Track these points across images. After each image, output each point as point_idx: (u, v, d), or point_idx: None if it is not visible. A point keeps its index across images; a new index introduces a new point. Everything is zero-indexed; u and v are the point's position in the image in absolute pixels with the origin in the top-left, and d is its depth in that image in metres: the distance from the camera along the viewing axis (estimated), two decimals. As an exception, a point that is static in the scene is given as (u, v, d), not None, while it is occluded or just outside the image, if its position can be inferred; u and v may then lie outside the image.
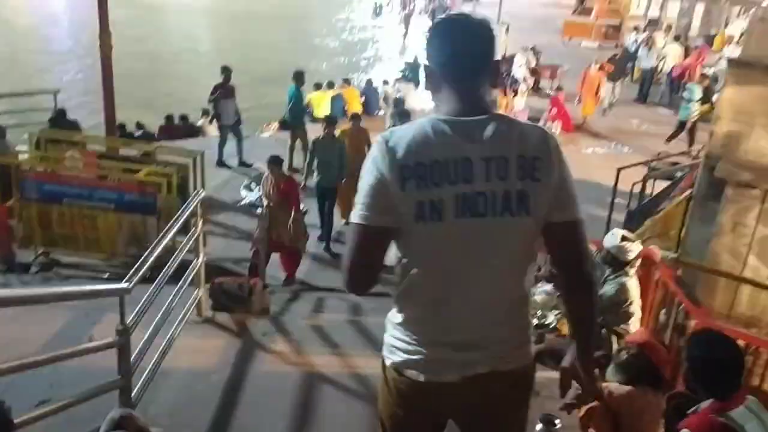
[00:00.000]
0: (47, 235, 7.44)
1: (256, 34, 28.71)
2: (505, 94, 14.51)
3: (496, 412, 1.88)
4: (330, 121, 8.29)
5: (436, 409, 1.90)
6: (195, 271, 4.29)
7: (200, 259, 4.34)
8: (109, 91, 9.25)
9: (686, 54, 17.01)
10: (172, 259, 3.81)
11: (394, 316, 1.87)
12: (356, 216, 1.68)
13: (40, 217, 7.36)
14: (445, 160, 1.62)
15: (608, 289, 4.28)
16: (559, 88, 14.85)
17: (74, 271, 7.16)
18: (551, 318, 4.85)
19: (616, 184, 8.35)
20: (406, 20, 29.03)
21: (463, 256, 1.69)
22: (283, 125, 12.59)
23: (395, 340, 1.86)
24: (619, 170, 8.43)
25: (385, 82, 15.45)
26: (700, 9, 25.74)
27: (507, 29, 17.52)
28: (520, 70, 15.69)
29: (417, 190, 1.62)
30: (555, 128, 13.91)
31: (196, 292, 4.38)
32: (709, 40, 21.24)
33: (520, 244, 1.71)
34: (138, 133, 12.62)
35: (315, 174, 8.14)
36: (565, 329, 4.39)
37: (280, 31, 29.73)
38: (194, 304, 4.33)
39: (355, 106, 13.42)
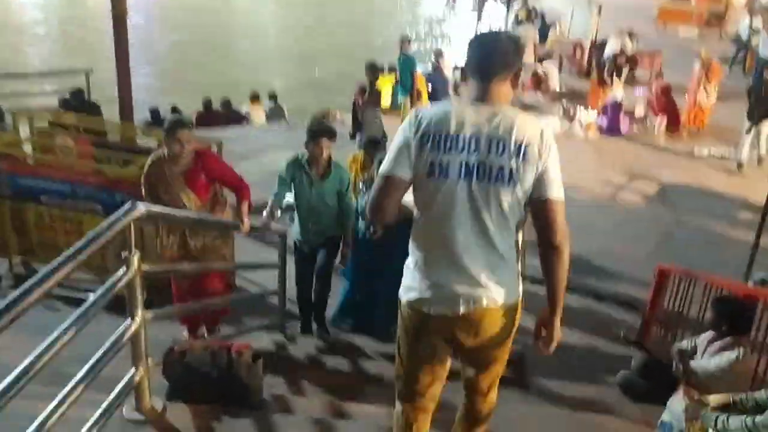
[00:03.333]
0: (23, 242, 5.89)
1: (326, 17, 27.26)
2: (599, 84, 12.32)
3: (489, 338, 2.29)
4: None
5: (442, 336, 2.32)
6: (134, 329, 2.54)
7: (137, 319, 2.56)
8: (123, 63, 7.69)
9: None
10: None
11: (409, 261, 2.34)
12: (383, 168, 2.22)
13: (14, 219, 5.82)
14: (457, 134, 2.13)
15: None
16: (660, 74, 12.45)
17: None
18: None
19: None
20: (480, 7, 27.25)
21: (461, 209, 2.16)
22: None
23: (409, 281, 2.32)
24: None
25: (457, 68, 13.48)
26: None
27: (599, 10, 15.17)
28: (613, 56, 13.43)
29: (432, 153, 2.13)
30: (659, 124, 11.65)
31: (132, 372, 2.62)
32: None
33: (505, 207, 2.15)
34: (172, 119, 11.13)
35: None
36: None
37: (352, 15, 28.17)
38: (129, 389, 2.57)
39: (422, 93, 11.54)
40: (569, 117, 11.77)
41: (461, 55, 15.66)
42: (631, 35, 15.26)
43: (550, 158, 2.13)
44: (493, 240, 2.16)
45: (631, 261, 6.80)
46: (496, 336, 2.28)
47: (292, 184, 4.59)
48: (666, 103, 11.72)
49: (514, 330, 2.33)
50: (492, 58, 2.18)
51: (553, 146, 2.14)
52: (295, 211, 4.74)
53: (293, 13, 29.11)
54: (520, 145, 2.08)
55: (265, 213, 4.56)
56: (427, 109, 2.20)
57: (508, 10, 22.53)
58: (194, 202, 4.21)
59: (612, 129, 11.46)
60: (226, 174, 4.40)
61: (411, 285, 2.29)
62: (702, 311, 4.45)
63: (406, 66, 10.64)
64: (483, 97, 2.16)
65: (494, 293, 2.20)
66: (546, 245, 2.18)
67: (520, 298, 2.31)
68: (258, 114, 11.74)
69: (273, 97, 12.22)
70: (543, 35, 17.22)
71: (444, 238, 2.18)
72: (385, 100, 11.74)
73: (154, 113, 10.90)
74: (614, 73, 12.44)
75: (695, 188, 9.14)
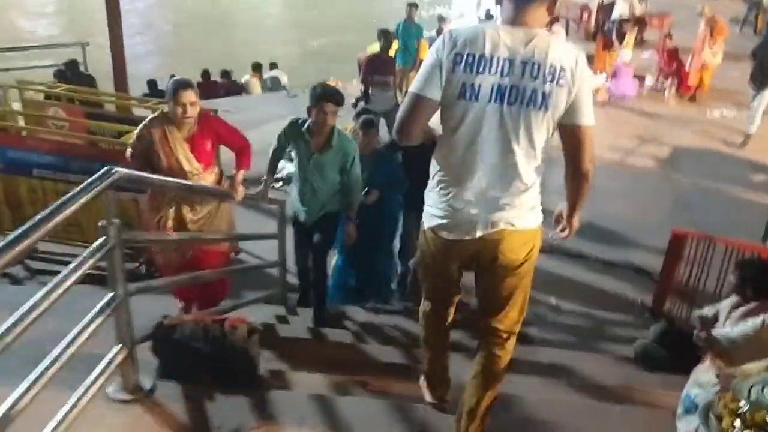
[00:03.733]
0: (17, 217, 5.71)
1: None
2: (605, 47, 11.94)
3: (507, 261, 2.30)
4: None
5: (463, 257, 2.36)
6: (115, 303, 2.36)
7: (119, 292, 2.37)
8: (116, 33, 7.45)
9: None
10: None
11: (431, 186, 2.35)
12: (413, 87, 2.17)
13: (7, 194, 5.64)
14: (490, 56, 2.06)
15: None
16: (669, 36, 12.04)
17: (46, 265, 5.41)
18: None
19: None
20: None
21: (489, 132, 2.12)
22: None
23: (430, 207, 2.35)
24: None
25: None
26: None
27: (606, -29, 14.73)
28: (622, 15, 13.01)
29: (463, 74, 2.08)
30: (669, 87, 11.32)
31: (115, 349, 2.44)
32: None
33: (535, 132, 2.12)
34: (171, 90, 10.90)
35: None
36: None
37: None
38: (112, 368, 2.40)
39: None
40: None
41: (464, 20, 15.26)
42: (639, -4, 14.84)
43: (585, 84, 2.12)
44: (518, 166, 2.16)
45: (644, 227, 6.58)
46: (515, 259, 2.30)
47: (293, 152, 4.20)
48: (675, 66, 11.38)
49: (533, 259, 2.34)
50: None
51: (586, 72, 2.13)
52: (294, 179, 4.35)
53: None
54: (555, 70, 2.05)
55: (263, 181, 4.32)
56: (462, 29, 2.12)
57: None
58: (197, 170, 3.85)
59: (621, 93, 11.15)
60: (233, 136, 4.02)
61: (431, 210, 2.34)
62: (722, 277, 4.24)
63: (410, 34, 10.26)
64: (518, 20, 2.10)
65: (512, 217, 2.23)
66: (575, 170, 2.21)
67: (539, 226, 2.34)
68: (255, 84, 11.47)
69: (274, 65, 11.95)
70: None
71: (469, 161, 2.18)
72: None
73: (152, 84, 10.66)
74: (619, 38, 12.07)
75: (707, 151, 8.88)
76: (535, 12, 2.10)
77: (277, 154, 4.27)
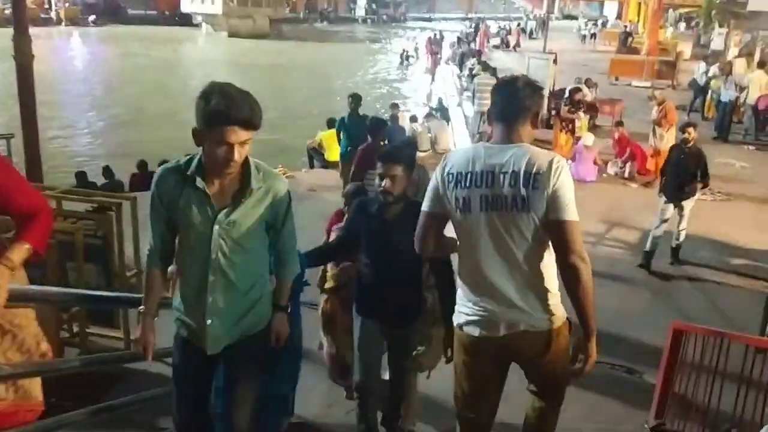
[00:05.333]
0: None
1: (275, 84, 26.71)
2: (561, 129, 11.71)
3: (538, 362, 2.46)
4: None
5: (491, 357, 2.50)
6: None
7: None
8: (29, 114, 6.65)
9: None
10: None
11: (459, 287, 2.57)
12: (424, 206, 2.53)
13: None
14: (475, 172, 2.37)
15: None
16: (619, 123, 11.90)
17: None
18: None
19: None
20: (433, 68, 27.25)
21: (486, 237, 2.37)
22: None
23: (459, 306, 2.56)
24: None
25: (413, 119, 12.78)
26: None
27: (555, 59, 14.83)
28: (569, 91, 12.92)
29: (455, 190, 2.40)
30: (629, 170, 11.02)
31: None
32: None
33: (525, 232, 2.33)
34: (104, 182, 10.03)
35: None
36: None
37: (302, 80, 27.72)
38: None
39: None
40: (535, 166, 11.07)
41: (416, 108, 15.00)
42: (588, 82, 14.93)
43: (560, 182, 2.29)
44: (520, 264, 2.34)
45: (627, 318, 5.88)
46: (544, 358, 2.44)
47: (167, 219, 2.47)
48: (629, 151, 11.14)
49: (564, 354, 2.45)
50: (513, 103, 2.39)
51: (563, 171, 2.32)
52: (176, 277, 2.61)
53: (249, 80, 28.59)
54: (529, 176, 2.28)
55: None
56: (453, 153, 2.52)
57: (461, 68, 22.47)
58: None
59: (582, 176, 10.78)
60: (14, 190, 2.34)
61: (460, 309, 2.54)
62: (746, 382, 3.49)
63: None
64: (507, 139, 2.38)
65: (531, 317, 2.38)
66: (563, 265, 2.31)
67: (564, 322, 2.45)
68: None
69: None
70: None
71: (477, 265, 2.41)
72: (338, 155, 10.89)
73: (80, 176, 9.81)
74: (573, 105, 11.92)
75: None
76: (521, 130, 2.39)
77: (156, 246, 2.52)
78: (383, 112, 19.54)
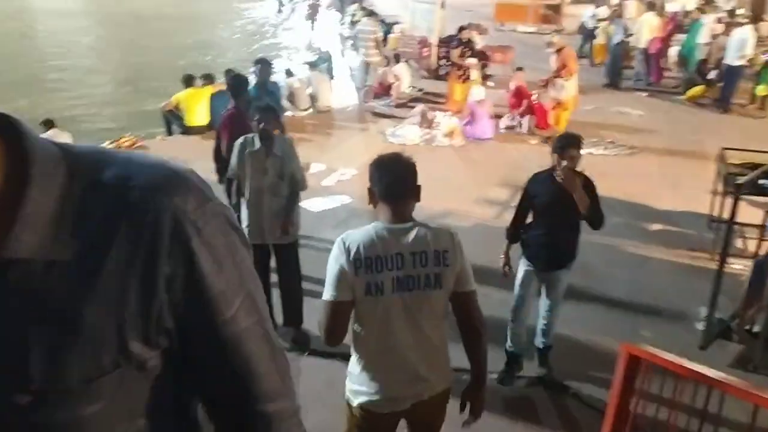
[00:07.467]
0: None
1: (136, 36, 24.00)
2: (459, 79, 10.66)
3: (432, 417, 2.66)
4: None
5: (393, 424, 2.65)
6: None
7: None
8: None
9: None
10: None
11: (354, 368, 2.57)
12: (326, 295, 2.41)
13: None
14: (385, 255, 2.39)
15: None
16: (519, 69, 10.91)
17: None
18: None
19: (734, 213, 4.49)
20: (312, 14, 25.38)
21: (398, 317, 2.43)
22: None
23: (356, 385, 2.55)
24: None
25: (289, 73, 11.25)
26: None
27: (443, 4, 13.65)
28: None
29: (366, 275, 2.37)
30: (526, 124, 10.15)
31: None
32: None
33: (436, 307, 2.47)
34: None
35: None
36: None
37: (170, 32, 25.08)
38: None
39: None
40: (428, 123, 9.97)
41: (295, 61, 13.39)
42: (479, 28, 13.96)
43: (463, 256, 2.48)
44: (429, 337, 2.49)
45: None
46: (437, 414, 2.66)
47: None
48: (525, 103, 10.25)
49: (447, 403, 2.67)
50: (401, 182, 2.51)
51: (461, 246, 2.48)
52: None
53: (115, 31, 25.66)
54: (439, 254, 2.42)
55: None
56: (353, 236, 2.43)
57: (342, 14, 20.93)
58: None
59: (479, 133, 9.82)
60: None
61: (359, 389, 2.54)
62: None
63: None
64: (398, 218, 2.48)
65: (433, 384, 2.54)
66: (469, 331, 2.54)
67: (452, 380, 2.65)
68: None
69: (49, 123, 9.27)
70: (384, 36, 15.50)
71: (386, 345, 2.48)
72: (200, 118, 9.32)
73: None
74: (467, 50, 10.90)
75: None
76: (408, 206, 2.52)
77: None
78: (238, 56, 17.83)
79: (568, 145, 4.00)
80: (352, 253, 2.37)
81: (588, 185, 3.98)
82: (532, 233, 4.18)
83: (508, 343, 4.35)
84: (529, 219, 4.22)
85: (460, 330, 2.53)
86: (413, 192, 2.53)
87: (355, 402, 2.56)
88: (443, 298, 2.45)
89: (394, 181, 2.49)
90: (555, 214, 4.03)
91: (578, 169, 4.02)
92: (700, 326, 4.88)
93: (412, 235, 2.42)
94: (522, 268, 4.24)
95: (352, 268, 2.36)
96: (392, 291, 2.39)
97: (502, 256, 4.28)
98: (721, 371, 3.05)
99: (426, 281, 2.39)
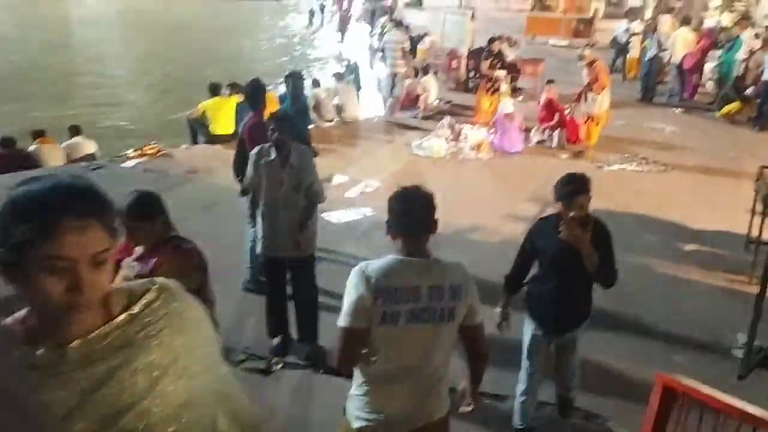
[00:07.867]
0: None
1: (169, 46, 24.26)
2: (488, 92, 10.47)
3: None
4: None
5: None
6: None
7: None
8: None
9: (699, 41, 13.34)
10: None
11: (356, 391, 2.61)
12: (342, 321, 2.45)
13: None
14: (404, 287, 2.44)
15: None
16: (550, 81, 10.65)
17: None
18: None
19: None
20: (343, 26, 25.41)
21: (410, 348, 2.49)
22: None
23: (359, 411, 2.58)
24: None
25: (316, 84, 11.18)
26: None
27: (473, 15, 13.52)
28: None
29: (384, 305, 2.41)
30: (557, 138, 9.93)
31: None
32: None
33: (448, 339, 2.55)
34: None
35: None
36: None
37: (202, 43, 25.33)
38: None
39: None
40: (455, 135, 9.80)
41: (323, 71, 13.30)
42: (509, 41, 13.76)
43: (474, 290, 2.54)
44: (438, 368, 2.56)
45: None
46: None
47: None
48: (557, 117, 10.01)
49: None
50: (420, 217, 2.53)
51: (473, 280, 2.56)
52: None
53: (143, 42, 25.96)
54: (454, 289, 2.48)
55: None
56: (373, 266, 2.47)
57: (372, 26, 20.90)
58: None
59: (507, 147, 9.61)
60: None
61: (360, 414, 2.58)
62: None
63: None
64: (416, 252, 2.51)
65: (431, 413, 2.60)
66: (478, 357, 2.67)
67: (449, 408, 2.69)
68: (52, 152, 8.81)
69: (75, 129, 9.31)
70: (412, 48, 15.39)
71: (396, 374, 2.52)
72: (225, 127, 9.28)
73: None
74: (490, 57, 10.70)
75: (616, 214, 7.31)
76: (426, 241, 2.55)
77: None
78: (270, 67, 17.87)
79: (576, 192, 3.37)
80: (372, 283, 2.40)
81: (601, 235, 3.41)
82: (538, 286, 3.64)
83: (517, 420, 3.83)
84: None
85: (468, 356, 2.65)
86: (431, 227, 2.56)
87: (354, 425, 2.59)
88: (454, 331, 2.53)
89: (412, 218, 2.52)
90: (564, 269, 3.47)
91: (590, 210, 3.45)
92: (739, 354, 4.62)
93: (429, 269, 2.48)
94: (528, 332, 3.67)
95: (371, 298, 2.39)
96: (406, 321, 2.43)
97: (499, 309, 3.67)
98: (763, 404, 2.82)
99: (441, 314, 2.45)
